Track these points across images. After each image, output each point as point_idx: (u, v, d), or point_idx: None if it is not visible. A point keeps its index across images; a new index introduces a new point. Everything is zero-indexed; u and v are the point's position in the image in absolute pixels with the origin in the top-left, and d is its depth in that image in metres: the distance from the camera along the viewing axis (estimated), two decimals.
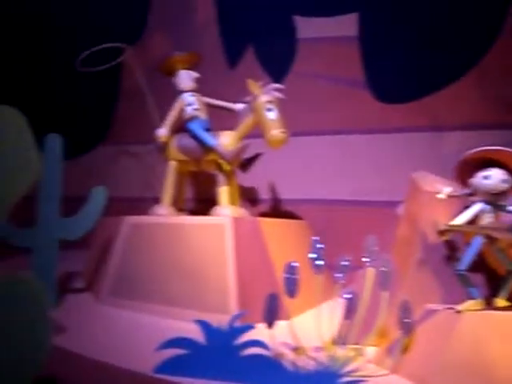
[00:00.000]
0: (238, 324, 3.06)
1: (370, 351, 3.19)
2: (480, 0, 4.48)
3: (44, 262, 3.79)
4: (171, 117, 4.37)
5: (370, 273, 3.22)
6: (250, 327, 3.02)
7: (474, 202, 3.07)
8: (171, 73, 4.44)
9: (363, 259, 3.24)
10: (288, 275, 3.15)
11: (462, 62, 4.54)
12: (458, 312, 2.91)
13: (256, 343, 2.98)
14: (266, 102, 4.04)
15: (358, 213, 4.61)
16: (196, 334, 3.00)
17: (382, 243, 3.36)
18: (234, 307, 3.58)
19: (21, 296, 2.51)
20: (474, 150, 3.04)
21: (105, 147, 4.83)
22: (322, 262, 3.22)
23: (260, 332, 3.02)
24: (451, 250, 3.25)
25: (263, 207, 4.74)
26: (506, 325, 2.86)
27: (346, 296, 3.13)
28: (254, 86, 4.10)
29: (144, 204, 4.42)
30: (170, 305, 3.75)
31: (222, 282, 3.67)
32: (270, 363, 2.95)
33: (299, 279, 3.11)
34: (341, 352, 3.09)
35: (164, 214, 4.25)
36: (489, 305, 2.99)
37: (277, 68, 4.75)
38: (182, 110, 4.38)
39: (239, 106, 4.28)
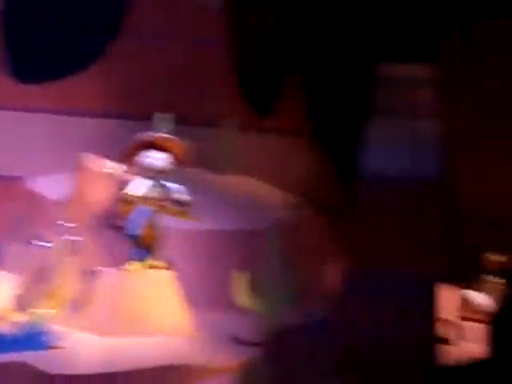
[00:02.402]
0: None
1: (50, 314, 3.48)
2: None
3: None
4: None
5: (62, 244, 3.63)
6: None
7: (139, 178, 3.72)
8: None
9: (58, 230, 3.60)
10: None
11: (93, 49, 4.99)
12: (126, 271, 3.68)
13: None
14: None
15: None
16: None
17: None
18: None
19: None
20: (145, 135, 3.73)
21: None
22: None
23: None
24: (114, 219, 3.81)
25: None
26: (158, 280, 3.74)
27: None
28: None
29: None
30: None
31: None
32: None
33: None
34: (26, 316, 3.36)
35: None
36: (144, 265, 3.76)
37: None
38: None
39: None
